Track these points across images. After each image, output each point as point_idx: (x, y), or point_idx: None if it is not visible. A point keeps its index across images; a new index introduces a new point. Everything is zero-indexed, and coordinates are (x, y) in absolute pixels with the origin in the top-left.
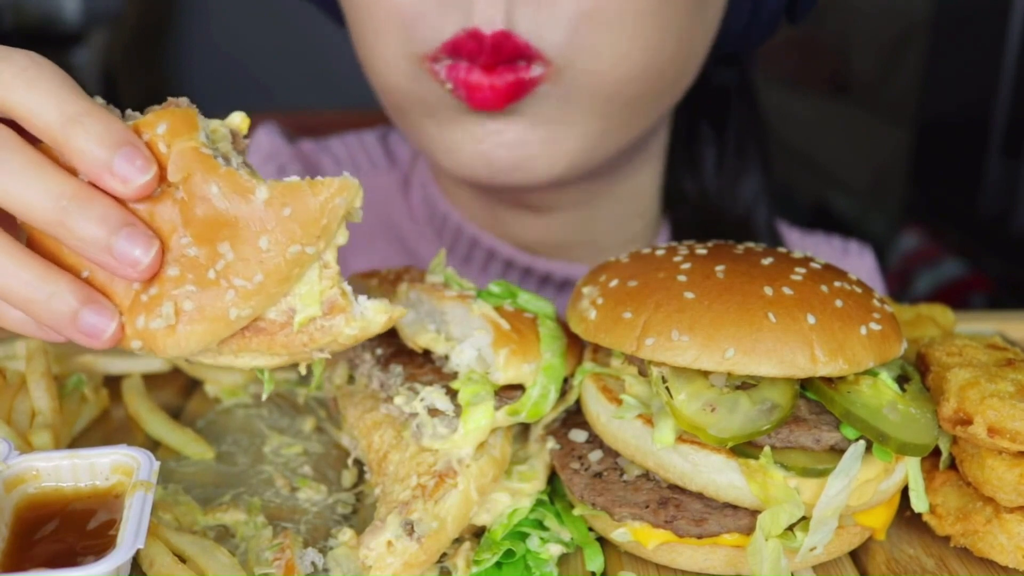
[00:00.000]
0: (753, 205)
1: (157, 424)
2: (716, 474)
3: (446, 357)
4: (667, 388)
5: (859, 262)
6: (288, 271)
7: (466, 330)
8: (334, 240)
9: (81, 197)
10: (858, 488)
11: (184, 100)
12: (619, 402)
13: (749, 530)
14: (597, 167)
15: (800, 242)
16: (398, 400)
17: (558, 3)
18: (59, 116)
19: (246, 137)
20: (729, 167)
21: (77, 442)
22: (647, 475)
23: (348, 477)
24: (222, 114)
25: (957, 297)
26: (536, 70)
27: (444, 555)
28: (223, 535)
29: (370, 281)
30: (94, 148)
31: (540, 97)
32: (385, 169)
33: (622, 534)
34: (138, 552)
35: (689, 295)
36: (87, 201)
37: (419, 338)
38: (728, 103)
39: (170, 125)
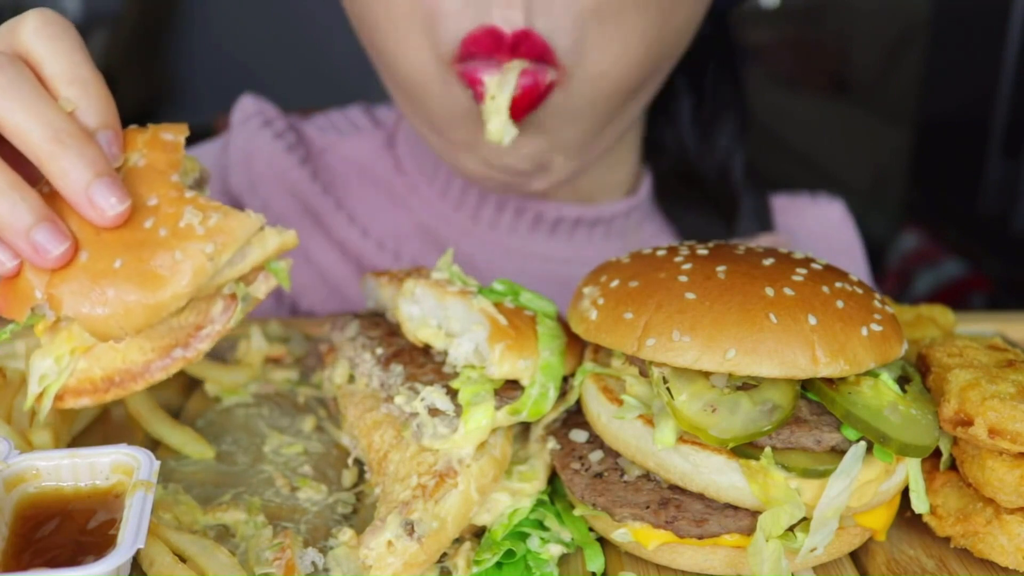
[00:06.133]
0: (728, 155)
1: (157, 423)
2: (717, 475)
3: (446, 354)
4: (668, 389)
5: (828, 210)
6: None
7: (466, 325)
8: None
9: (78, 138)
10: (859, 489)
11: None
12: (620, 402)
13: (750, 531)
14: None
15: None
16: (398, 400)
17: (568, 1)
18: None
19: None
20: (705, 117)
21: (77, 441)
22: (648, 475)
23: (348, 477)
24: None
25: (957, 297)
26: (549, 74)
27: (444, 555)
28: (223, 535)
29: (380, 279)
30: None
31: (551, 108)
32: (369, 131)
33: (622, 534)
34: (138, 552)
35: (690, 296)
36: (83, 143)
37: (420, 333)
38: (705, 54)
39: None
